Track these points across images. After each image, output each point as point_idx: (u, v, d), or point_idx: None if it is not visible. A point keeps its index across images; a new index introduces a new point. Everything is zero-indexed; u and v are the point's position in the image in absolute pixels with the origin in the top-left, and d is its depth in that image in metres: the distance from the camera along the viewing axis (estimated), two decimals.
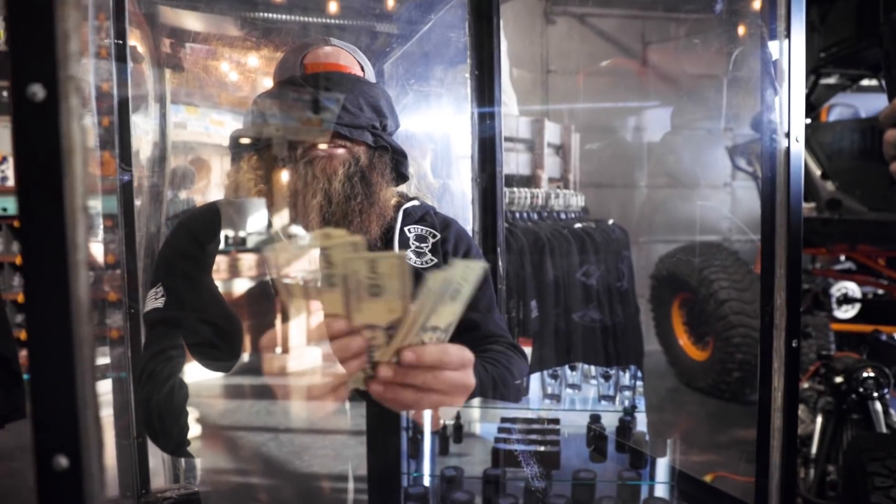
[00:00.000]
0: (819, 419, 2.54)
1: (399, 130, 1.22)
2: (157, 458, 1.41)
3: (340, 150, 1.07)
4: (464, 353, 0.76)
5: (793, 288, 0.69)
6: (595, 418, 1.57)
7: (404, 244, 1.12)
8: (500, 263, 1.52)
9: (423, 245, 1.13)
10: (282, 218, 1.09)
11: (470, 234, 1.59)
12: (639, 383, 1.63)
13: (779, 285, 0.71)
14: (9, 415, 2.34)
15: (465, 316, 1.09)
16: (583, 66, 5.69)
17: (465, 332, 1.08)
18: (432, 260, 1.12)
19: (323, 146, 1.06)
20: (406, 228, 1.14)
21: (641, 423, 1.60)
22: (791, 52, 0.73)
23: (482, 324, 1.12)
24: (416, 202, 1.18)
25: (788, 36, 0.72)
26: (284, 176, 1.07)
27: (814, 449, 2.50)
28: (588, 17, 5.81)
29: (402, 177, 1.18)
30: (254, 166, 1.11)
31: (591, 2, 5.74)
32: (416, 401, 0.74)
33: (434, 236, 1.15)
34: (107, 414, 1.43)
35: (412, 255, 1.11)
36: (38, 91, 0.33)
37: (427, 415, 0.80)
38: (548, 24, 5.79)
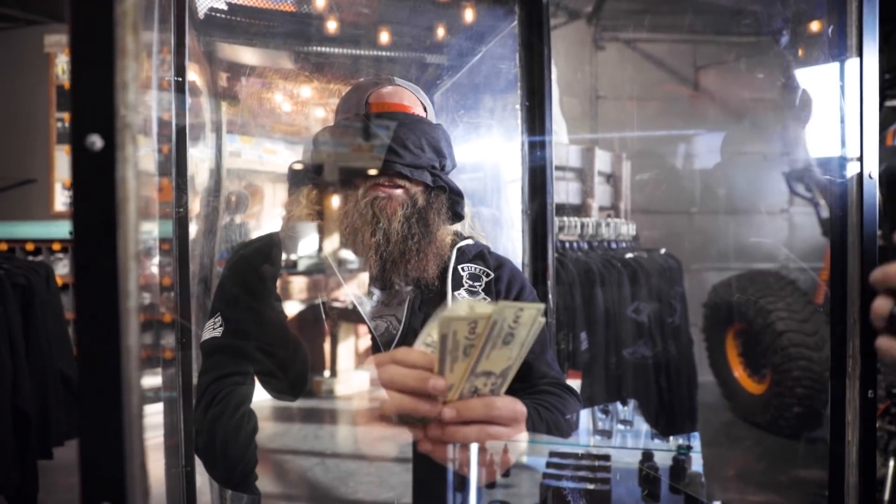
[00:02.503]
0: (891, 463, 2.39)
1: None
2: (201, 484, 1.42)
3: (399, 191, 1.07)
4: (514, 407, 0.73)
5: (867, 335, 0.64)
6: (647, 456, 1.52)
7: (457, 283, 1.11)
8: (550, 295, 1.49)
9: (476, 284, 1.12)
10: (338, 253, 1.10)
11: (521, 267, 1.57)
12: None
13: (852, 331, 0.66)
14: (69, 431, 2.42)
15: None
16: (633, 92, 5.63)
17: (521, 379, 1.05)
18: (486, 299, 1.10)
19: (384, 185, 1.06)
20: (459, 267, 1.13)
21: (696, 462, 1.53)
22: (864, 97, 0.68)
23: (533, 363, 1.09)
24: (469, 241, 1.17)
25: (861, 78, 0.67)
26: (343, 212, 1.07)
27: (886, 495, 2.35)
28: (637, 42, 5.76)
29: (457, 216, 1.17)
30: (312, 200, 1.12)
31: (640, 27, 5.69)
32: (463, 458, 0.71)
33: (488, 275, 1.13)
34: (156, 435, 1.45)
35: (465, 294, 1.10)
36: (96, 141, 0.34)
37: (476, 470, 0.76)
38: (597, 50, 5.77)
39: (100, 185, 0.34)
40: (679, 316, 2.77)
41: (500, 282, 1.14)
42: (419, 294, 1.09)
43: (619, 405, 1.68)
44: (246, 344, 1.03)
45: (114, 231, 0.33)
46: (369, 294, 1.10)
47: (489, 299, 1.11)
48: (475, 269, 1.14)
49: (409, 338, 1.05)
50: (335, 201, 1.10)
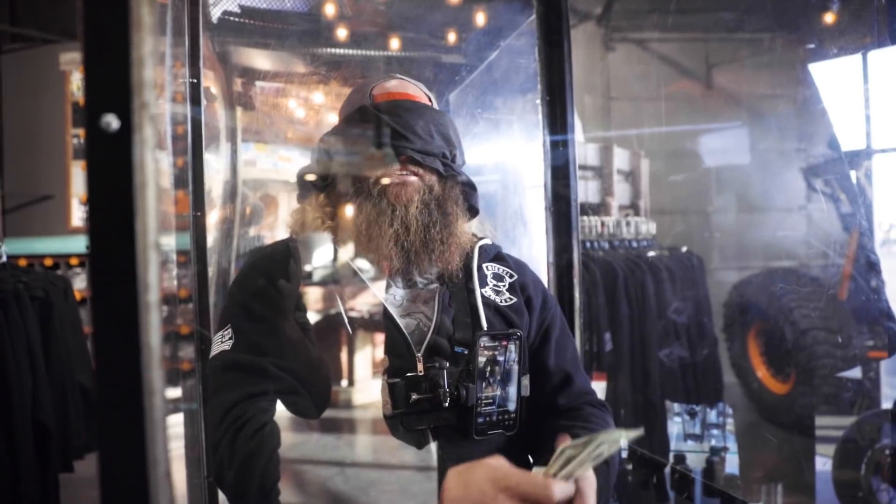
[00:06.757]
0: None
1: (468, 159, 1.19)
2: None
3: (413, 178, 1.04)
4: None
5: None
6: (679, 458, 1.48)
7: (482, 281, 1.09)
8: (576, 294, 1.46)
9: (500, 284, 1.11)
10: (357, 250, 1.06)
11: (545, 266, 1.56)
12: (728, 420, 1.52)
13: None
14: (89, 444, 2.41)
15: (558, 366, 1.08)
16: (646, 92, 5.58)
17: (563, 387, 1.08)
18: (511, 299, 1.09)
19: (396, 172, 1.04)
20: (484, 266, 1.11)
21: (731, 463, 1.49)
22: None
23: (575, 377, 1.09)
24: (487, 240, 1.16)
25: None
26: (359, 208, 1.04)
27: None
28: (648, 42, 5.71)
29: (472, 211, 1.15)
30: (322, 204, 1.09)
31: (651, 27, 5.65)
32: None
33: (511, 276, 1.13)
34: (178, 446, 1.43)
35: (491, 293, 1.08)
36: (111, 121, 0.32)
37: None
38: (607, 51, 5.73)
39: (116, 168, 0.31)
40: (704, 311, 2.73)
41: (527, 287, 1.13)
42: (447, 291, 1.07)
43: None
44: (262, 360, 0.98)
45: (132, 218, 0.31)
46: (392, 293, 1.07)
47: (515, 298, 1.09)
48: (498, 268, 1.13)
49: (440, 334, 1.03)
50: (350, 199, 1.06)
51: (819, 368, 3.79)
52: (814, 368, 3.81)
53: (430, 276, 1.08)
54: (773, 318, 4.11)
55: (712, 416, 1.54)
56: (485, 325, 1.03)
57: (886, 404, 3.16)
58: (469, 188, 1.13)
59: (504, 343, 0.99)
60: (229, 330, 1.01)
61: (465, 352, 0.99)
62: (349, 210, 1.06)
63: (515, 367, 1.00)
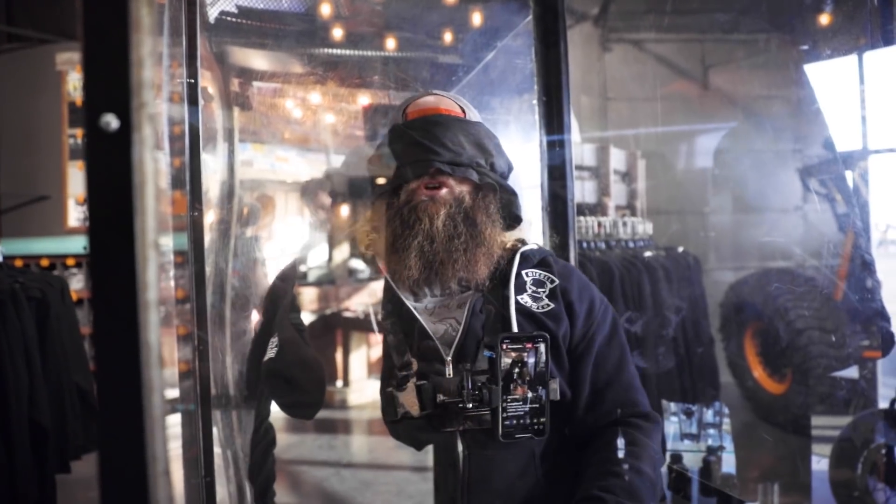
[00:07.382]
0: None
1: None
2: (222, 496, 1.40)
3: (443, 191, 1.07)
4: None
5: None
6: (676, 458, 1.48)
7: (520, 288, 1.10)
8: None
9: (539, 290, 1.11)
10: (387, 261, 1.10)
11: None
12: (724, 420, 1.53)
13: None
14: (86, 445, 2.41)
15: (595, 379, 1.08)
16: (642, 92, 5.60)
17: (595, 402, 1.07)
18: (549, 305, 1.09)
19: (426, 187, 1.07)
20: (524, 272, 1.12)
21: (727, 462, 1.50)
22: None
23: (605, 390, 1.08)
24: (533, 246, 1.17)
25: None
26: (389, 222, 1.09)
27: None
28: (645, 42, 5.73)
29: (515, 218, 1.16)
30: (367, 218, 1.17)
31: (647, 28, 5.66)
32: None
33: (552, 282, 1.12)
34: (175, 447, 1.44)
35: (528, 300, 1.09)
36: (111, 121, 0.32)
37: None
38: (604, 52, 5.74)
39: (116, 167, 0.31)
40: (701, 311, 2.73)
41: (569, 293, 1.11)
42: (480, 297, 1.09)
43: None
44: (293, 371, 1.13)
45: (131, 217, 0.31)
46: (424, 302, 1.10)
47: (553, 304, 1.09)
48: (540, 274, 1.13)
49: (468, 339, 1.05)
50: (384, 214, 1.11)
51: (814, 368, 3.81)
52: (809, 368, 3.82)
53: (466, 283, 1.09)
54: (770, 318, 4.12)
55: (709, 415, 1.55)
56: (515, 329, 1.04)
57: (882, 404, 3.18)
58: (510, 196, 1.14)
59: (529, 345, 0.99)
60: (276, 338, 1.14)
61: (494, 356, 1.01)
62: (386, 222, 1.11)
63: (545, 371, 1.00)
